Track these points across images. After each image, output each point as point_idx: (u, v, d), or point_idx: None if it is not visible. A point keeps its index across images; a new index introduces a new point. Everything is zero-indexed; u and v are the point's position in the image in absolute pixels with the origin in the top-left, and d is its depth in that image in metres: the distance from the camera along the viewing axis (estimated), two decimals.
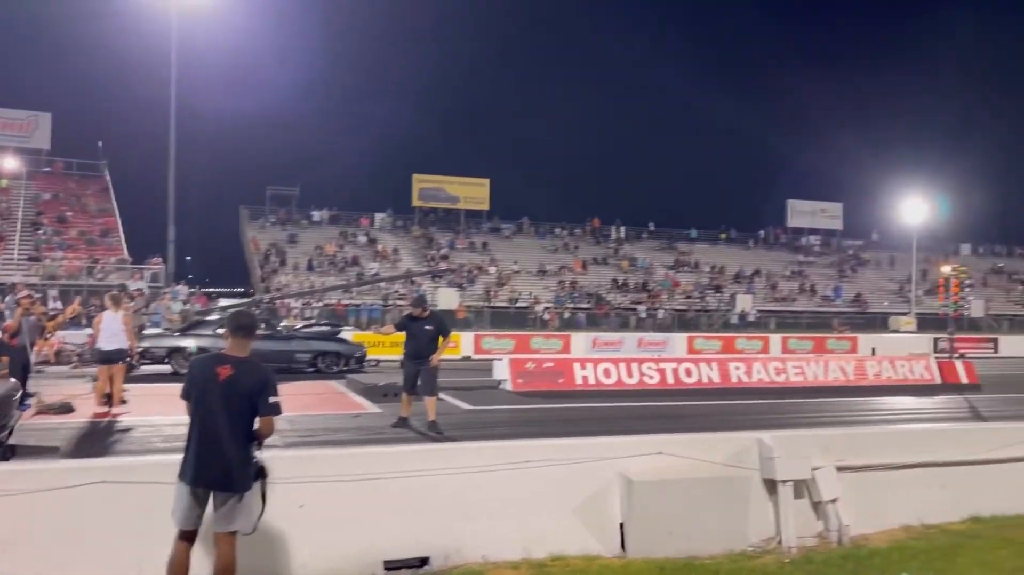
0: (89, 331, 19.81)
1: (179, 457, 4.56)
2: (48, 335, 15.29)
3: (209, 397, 4.45)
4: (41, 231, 35.18)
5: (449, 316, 34.25)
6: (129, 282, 26.84)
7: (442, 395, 13.65)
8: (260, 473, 4.57)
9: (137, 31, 36.06)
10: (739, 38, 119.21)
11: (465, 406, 13.59)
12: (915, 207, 44.40)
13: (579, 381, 16.13)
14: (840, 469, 6.46)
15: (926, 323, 38.54)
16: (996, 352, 33.30)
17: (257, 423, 4.53)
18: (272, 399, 4.52)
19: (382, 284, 37.17)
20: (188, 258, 53.46)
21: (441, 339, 10.52)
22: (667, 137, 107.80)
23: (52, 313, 16.73)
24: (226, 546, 4.47)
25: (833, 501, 6.32)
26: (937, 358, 20.72)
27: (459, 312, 35.44)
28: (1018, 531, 6.64)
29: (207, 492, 4.46)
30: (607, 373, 16.42)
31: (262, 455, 4.62)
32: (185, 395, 4.57)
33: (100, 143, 43.11)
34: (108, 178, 41.27)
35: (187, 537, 4.50)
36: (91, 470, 5.01)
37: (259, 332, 7.96)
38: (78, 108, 71.97)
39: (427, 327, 10.48)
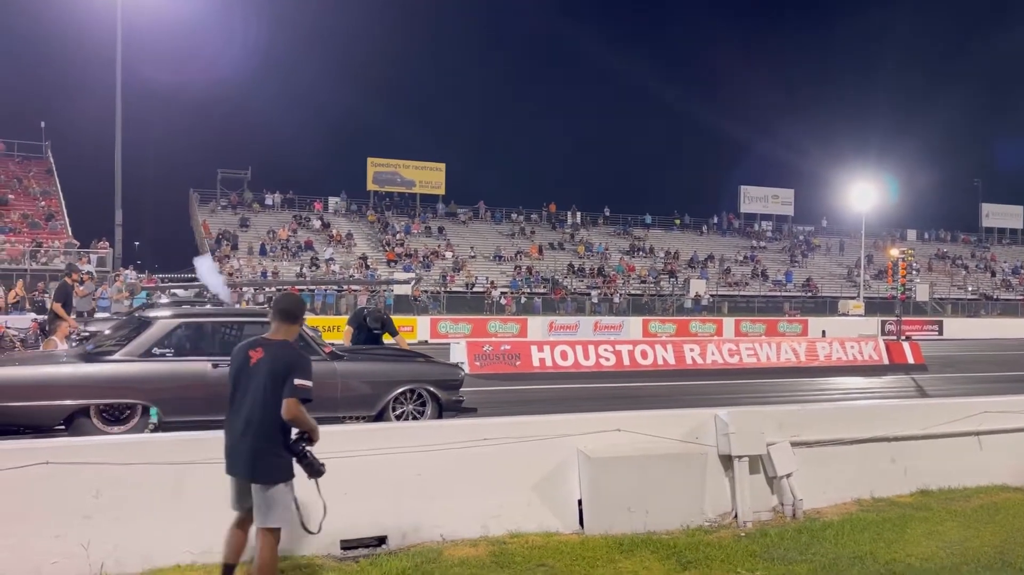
0: (33, 316, 19.28)
1: (122, 438, 4.44)
2: None
3: (241, 382, 4.29)
4: None
5: (404, 301, 34.10)
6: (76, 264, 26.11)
7: None
8: (313, 470, 4.25)
9: (81, 7, 34.86)
10: (693, 30, 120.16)
11: None
12: (863, 193, 45.26)
13: (536, 363, 16.16)
14: (794, 444, 6.56)
15: (874, 307, 39.44)
16: (941, 334, 34.21)
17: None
18: (298, 381, 4.15)
19: (336, 268, 36.75)
20: (136, 243, 52.33)
21: (388, 335, 10.93)
22: (622, 123, 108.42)
23: None
24: (262, 543, 4.22)
25: (788, 476, 6.41)
26: (885, 340, 21.19)
27: (415, 295, 35.21)
28: (963, 503, 6.82)
29: (244, 481, 4.29)
30: (564, 355, 16.48)
31: (312, 450, 4.25)
32: (228, 382, 4.42)
33: (43, 123, 41.64)
34: (51, 160, 40.02)
35: (240, 523, 4.43)
36: (36, 451, 4.86)
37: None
38: (19, 87, 69.75)
39: (376, 331, 10.86)
